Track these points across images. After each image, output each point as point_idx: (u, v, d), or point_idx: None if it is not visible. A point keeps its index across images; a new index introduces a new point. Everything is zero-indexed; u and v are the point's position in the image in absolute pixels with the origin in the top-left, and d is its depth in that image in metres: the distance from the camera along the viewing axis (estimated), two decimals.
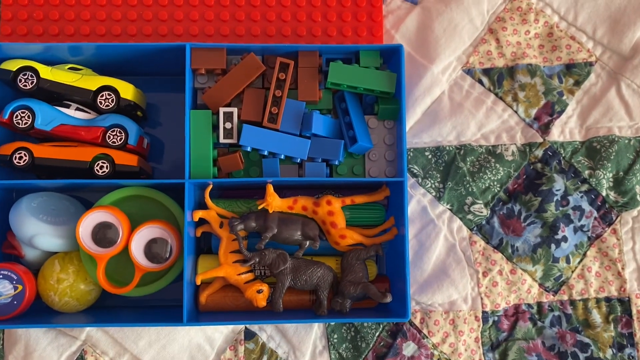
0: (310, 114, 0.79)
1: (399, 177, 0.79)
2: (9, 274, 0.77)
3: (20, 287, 0.76)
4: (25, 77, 0.79)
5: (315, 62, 0.81)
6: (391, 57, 0.83)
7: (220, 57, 0.79)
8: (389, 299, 0.76)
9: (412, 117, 0.90)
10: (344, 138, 0.81)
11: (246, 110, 0.79)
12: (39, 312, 0.81)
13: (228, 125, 0.79)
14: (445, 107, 0.90)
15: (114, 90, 0.81)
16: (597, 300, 0.90)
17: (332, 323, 0.86)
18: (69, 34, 0.88)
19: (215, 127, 0.79)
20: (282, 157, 0.79)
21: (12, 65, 0.79)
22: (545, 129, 0.91)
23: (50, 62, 0.82)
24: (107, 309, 0.84)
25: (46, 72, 0.80)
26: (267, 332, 0.86)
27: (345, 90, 0.81)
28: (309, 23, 0.90)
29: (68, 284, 0.79)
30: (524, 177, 0.90)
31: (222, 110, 0.79)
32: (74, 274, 0.79)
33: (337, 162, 0.80)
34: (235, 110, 0.79)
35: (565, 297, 0.90)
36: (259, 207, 0.78)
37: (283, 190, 0.83)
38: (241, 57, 0.81)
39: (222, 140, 0.79)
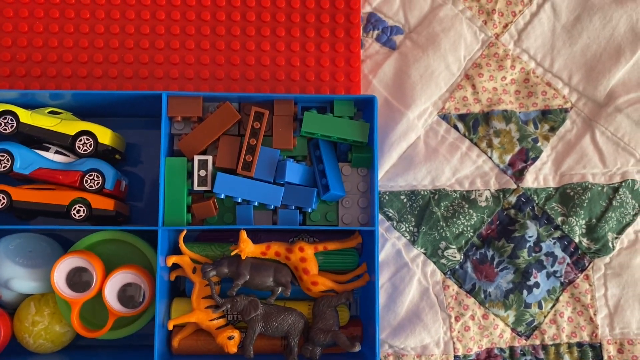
0: (284, 163, 0.80)
1: (371, 225, 0.81)
2: None
3: None
4: (5, 120, 0.81)
5: (291, 110, 0.82)
6: (365, 107, 0.84)
7: (197, 105, 0.81)
8: (357, 348, 0.77)
9: (387, 161, 0.91)
10: (318, 185, 0.82)
11: (221, 157, 0.81)
12: (12, 352, 0.82)
13: (202, 172, 0.80)
14: (420, 152, 0.92)
15: (92, 135, 0.82)
16: (569, 345, 0.91)
17: None
18: (51, 76, 0.90)
19: (190, 174, 0.81)
20: (256, 203, 0.81)
21: None
22: (519, 175, 0.92)
23: (31, 105, 0.83)
24: (81, 349, 0.85)
25: (26, 117, 0.81)
26: None
27: (320, 138, 0.83)
28: (288, 67, 0.92)
29: (43, 326, 0.80)
30: (497, 223, 0.92)
31: (196, 158, 0.80)
32: (49, 317, 0.80)
33: (310, 210, 0.81)
34: (209, 158, 0.80)
35: (538, 342, 0.91)
36: (232, 253, 0.79)
37: (258, 233, 0.84)
38: (217, 105, 0.82)
39: (196, 187, 0.80)
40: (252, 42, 0.92)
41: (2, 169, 0.80)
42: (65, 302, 0.79)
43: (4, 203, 0.80)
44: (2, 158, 0.80)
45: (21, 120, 0.81)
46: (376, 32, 0.94)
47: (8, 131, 0.80)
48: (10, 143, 0.81)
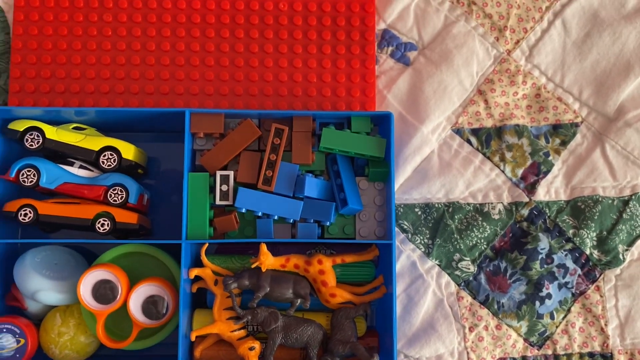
0: (303, 178, 0.82)
1: (388, 239, 0.83)
2: (12, 327, 0.80)
3: (22, 341, 0.80)
4: (32, 136, 0.83)
5: (309, 126, 0.84)
6: (382, 122, 0.86)
7: (219, 121, 0.83)
8: (375, 359, 0.79)
9: (402, 175, 0.93)
10: (336, 199, 0.84)
11: (242, 173, 0.83)
12: None
13: (224, 187, 0.82)
14: (434, 165, 0.94)
15: (116, 151, 0.85)
16: (581, 356, 0.92)
17: None
18: (74, 92, 0.92)
19: (212, 189, 0.83)
20: (276, 217, 0.83)
21: (20, 126, 0.83)
22: (531, 189, 0.94)
23: (56, 121, 0.86)
24: (105, 359, 0.87)
25: (51, 132, 0.84)
26: None
27: (338, 153, 0.85)
28: (305, 84, 0.94)
29: (69, 337, 0.82)
30: (510, 235, 0.94)
31: (218, 173, 0.83)
32: (75, 327, 0.83)
33: (328, 223, 0.83)
34: (231, 173, 0.83)
35: (550, 352, 0.92)
36: (253, 266, 0.81)
37: (277, 246, 0.86)
38: (238, 122, 0.85)
39: (218, 202, 0.82)
40: (270, 58, 0.94)
41: (28, 184, 0.82)
42: (91, 313, 0.81)
43: (30, 217, 0.82)
44: (29, 173, 0.82)
45: (47, 136, 0.83)
46: (390, 48, 0.96)
47: (35, 147, 0.83)
48: (36, 158, 0.84)
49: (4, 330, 0.79)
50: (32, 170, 0.83)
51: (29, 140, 0.83)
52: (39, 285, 0.80)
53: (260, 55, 0.94)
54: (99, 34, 0.94)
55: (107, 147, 0.85)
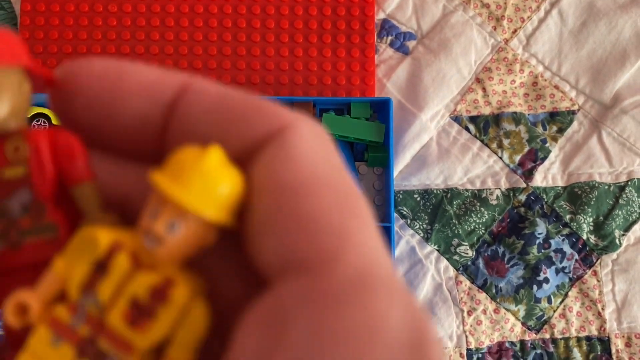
0: None
1: (387, 222, 0.84)
2: None
3: None
4: (39, 123, 0.85)
5: (309, 112, 0.86)
6: (381, 108, 0.88)
7: None
8: None
9: (401, 162, 0.95)
10: None
11: None
12: None
13: None
14: (433, 152, 0.95)
15: None
16: (578, 339, 0.94)
17: None
18: None
19: None
20: None
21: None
22: (528, 175, 0.96)
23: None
24: None
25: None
26: None
27: (337, 138, 0.87)
28: (305, 72, 0.96)
29: None
30: (508, 220, 0.95)
31: None
32: None
33: None
34: None
35: (547, 336, 0.94)
36: None
37: None
38: None
39: None
40: (272, 47, 0.96)
41: None
42: None
43: None
44: None
45: (53, 122, 0.85)
46: (390, 37, 0.98)
47: None
48: None
49: None
50: None
51: (36, 126, 0.85)
52: None
53: (261, 44, 0.96)
54: (104, 24, 0.96)
55: None
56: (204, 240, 0.19)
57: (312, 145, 0.19)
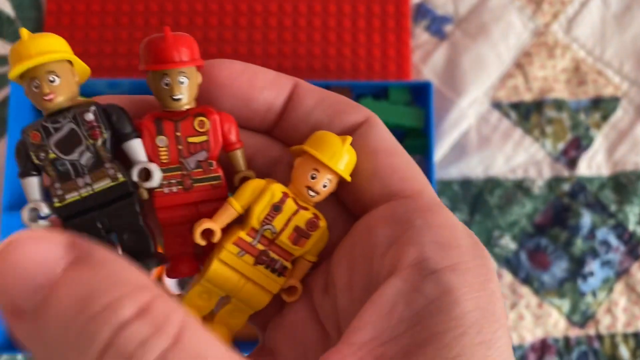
0: None
1: None
2: None
3: None
4: None
5: (347, 97, 0.83)
6: (420, 93, 0.84)
7: None
8: None
9: (439, 151, 0.91)
10: None
11: None
12: None
13: None
14: (472, 141, 0.92)
15: None
16: (625, 336, 0.90)
17: None
18: (107, 68, 0.92)
19: None
20: None
21: None
22: (572, 164, 0.92)
23: (89, 94, 0.85)
24: None
25: None
26: None
27: None
28: (339, 58, 0.92)
29: None
30: (551, 211, 0.91)
31: None
32: None
33: None
34: None
35: (592, 332, 0.90)
36: None
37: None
38: None
39: None
40: (303, 33, 0.93)
41: None
42: None
43: None
44: None
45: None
46: (426, 21, 0.95)
47: None
48: None
49: None
50: None
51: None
52: None
53: (293, 30, 0.93)
54: (132, 10, 0.93)
55: None
56: (333, 190, 0.31)
57: (385, 128, 0.31)
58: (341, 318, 0.28)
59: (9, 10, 0.92)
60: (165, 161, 0.29)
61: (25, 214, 0.27)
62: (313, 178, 0.29)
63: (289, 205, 0.29)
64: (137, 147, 0.28)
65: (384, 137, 0.30)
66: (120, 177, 0.28)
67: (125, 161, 0.29)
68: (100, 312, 0.20)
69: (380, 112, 0.81)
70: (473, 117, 0.92)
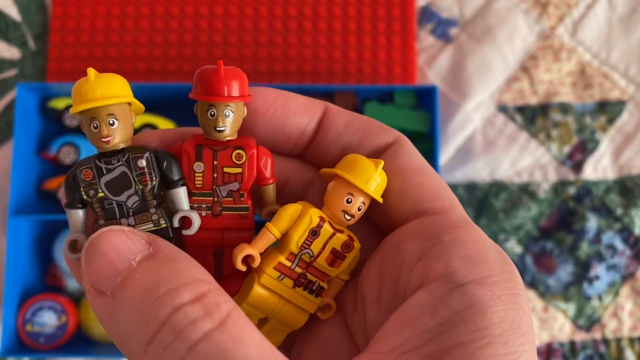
0: None
1: None
2: (54, 304, 0.79)
3: (64, 318, 0.79)
4: (72, 114, 0.82)
5: (351, 101, 0.83)
6: (425, 97, 0.84)
7: None
8: None
9: (445, 154, 0.91)
10: None
11: None
12: (78, 342, 0.83)
13: None
14: (478, 144, 0.91)
15: (156, 127, 0.84)
16: (631, 340, 0.89)
17: None
18: (112, 71, 0.92)
19: None
20: None
21: (60, 104, 0.83)
22: (578, 167, 0.91)
23: None
24: None
25: None
26: None
27: None
28: (344, 61, 0.92)
29: None
30: (557, 215, 0.91)
31: None
32: None
33: None
34: None
35: (598, 336, 0.89)
36: None
37: None
38: None
39: None
40: (309, 35, 0.93)
41: (68, 162, 0.82)
42: None
43: None
44: (69, 150, 0.82)
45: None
46: (431, 25, 0.94)
47: (74, 125, 0.82)
48: (75, 136, 0.83)
49: (46, 307, 0.79)
50: (72, 147, 0.82)
51: (69, 117, 0.83)
52: None
53: (298, 33, 0.93)
54: (137, 13, 0.93)
55: (146, 124, 0.84)
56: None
57: (414, 148, 0.32)
58: (369, 331, 0.29)
59: (14, 14, 0.93)
60: (199, 186, 0.30)
61: (65, 244, 0.28)
62: (348, 202, 0.30)
63: (326, 230, 0.30)
64: (181, 195, 0.30)
65: (413, 156, 0.31)
66: (163, 224, 0.29)
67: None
68: (162, 296, 0.24)
69: (385, 116, 0.81)
70: (478, 120, 0.92)
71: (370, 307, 0.29)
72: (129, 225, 0.29)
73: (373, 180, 0.30)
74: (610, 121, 0.93)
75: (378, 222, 0.32)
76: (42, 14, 0.93)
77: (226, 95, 0.29)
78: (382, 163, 0.30)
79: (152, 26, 0.93)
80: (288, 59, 0.92)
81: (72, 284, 0.83)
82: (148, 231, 0.29)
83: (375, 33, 0.93)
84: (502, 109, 0.93)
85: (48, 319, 0.78)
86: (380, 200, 0.30)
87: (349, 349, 0.30)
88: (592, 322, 0.89)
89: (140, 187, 0.29)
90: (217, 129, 0.29)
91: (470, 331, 0.25)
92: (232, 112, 0.30)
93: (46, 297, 0.79)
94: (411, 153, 0.31)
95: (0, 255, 0.85)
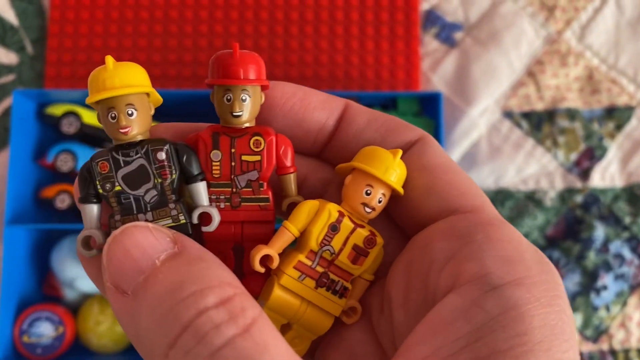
0: None
1: None
2: (51, 315, 0.78)
3: (61, 329, 0.78)
4: (70, 122, 0.81)
5: None
6: (429, 103, 0.83)
7: None
8: None
9: None
10: None
11: None
12: (75, 353, 0.82)
13: None
14: (483, 150, 0.90)
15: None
16: (639, 351, 0.87)
17: None
18: None
19: None
20: None
21: (58, 110, 0.81)
22: (585, 175, 0.89)
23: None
24: None
25: (88, 117, 0.81)
26: None
27: None
28: (346, 66, 0.91)
29: (106, 326, 0.80)
30: (564, 223, 0.89)
31: None
32: (112, 317, 0.80)
33: None
34: None
35: (606, 347, 0.88)
36: None
37: None
38: None
39: None
40: (310, 40, 0.91)
41: (65, 169, 0.80)
42: None
43: (67, 203, 0.80)
44: (66, 158, 0.80)
45: (84, 120, 0.81)
46: (435, 28, 0.93)
47: (72, 132, 0.81)
48: (73, 143, 0.82)
49: (43, 318, 0.77)
50: (69, 155, 0.81)
51: (66, 125, 0.81)
52: (77, 273, 0.78)
53: (299, 37, 0.91)
54: (135, 17, 0.91)
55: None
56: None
57: (439, 146, 0.30)
58: (397, 336, 0.28)
59: (12, 18, 0.91)
60: (216, 176, 0.29)
61: (79, 240, 0.27)
62: (368, 194, 0.29)
63: (346, 224, 0.29)
64: (201, 190, 0.28)
65: (439, 154, 0.30)
66: (182, 220, 0.28)
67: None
68: (186, 298, 0.23)
69: None
70: (484, 126, 0.90)
71: (397, 311, 0.28)
72: (146, 221, 0.27)
73: (392, 170, 0.28)
74: (619, 127, 0.91)
75: (403, 224, 0.31)
76: (39, 18, 0.92)
77: (242, 77, 0.28)
78: (400, 152, 0.29)
79: (152, 31, 0.91)
80: (289, 64, 0.91)
81: (69, 293, 0.82)
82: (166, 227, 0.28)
83: (379, 37, 0.91)
84: (508, 114, 0.91)
85: (45, 330, 0.77)
86: (401, 190, 0.29)
87: (375, 354, 0.29)
88: (600, 333, 0.88)
89: (160, 180, 0.28)
90: (234, 113, 0.28)
91: (509, 337, 0.23)
92: (249, 96, 0.28)
93: (43, 308, 0.78)
94: (437, 150, 0.30)
95: None
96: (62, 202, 0.80)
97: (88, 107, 0.83)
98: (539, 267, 0.25)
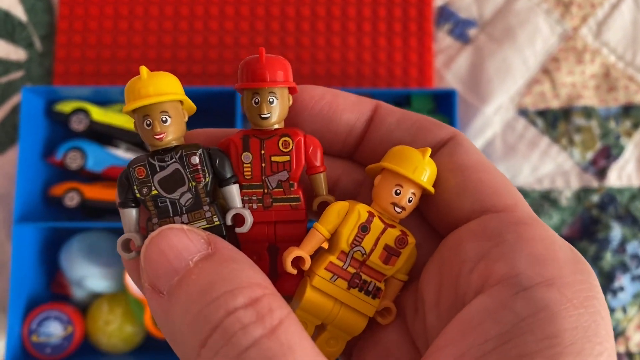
0: None
1: None
2: (60, 315, 0.77)
3: (70, 329, 0.77)
4: (79, 119, 0.80)
5: None
6: (443, 101, 0.81)
7: None
8: None
9: None
10: None
11: None
12: (84, 352, 0.81)
13: None
14: (497, 149, 0.88)
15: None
16: None
17: None
18: (120, 74, 0.89)
19: None
20: None
21: (67, 107, 0.80)
22: (601, 174, 0.88)
23: (103, 101, 0.83)
24: (153, 351, 0.84)
25: (98, 114, 0.81)
26: None
27: None
28: (358, 63, 0.89)
29: (116, 325, 0.79)
30: (580, 223, 0.87)
31: None
32: (122, 316, 0.79)
33: None
34: None
35: (622, 349, 0.86)
36: None
37: None
38: None
39: None
40: (322, 37, 0.90)
41: (75, 167, 0.79)
42: (138, 302, 0.78)
43: (76, 201, 0.79)
44: (75, 156, 0.79)
45: (93, 117, 0.80)
46: (449, 25, 0.91)
47: (81, 129, 0.80)
48: (82, 140, 0.81)
49: (52, 317, 0.77)
50: (79, 152, 0.80)
51: (75, 121, 0.80)
52: (86, 271, 0.77)
53: (311, 35, 0.90)
54: (145, 14, 0.90)
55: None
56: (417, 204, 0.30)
57: (472, 144, 0.30)
58: (429, 337, 0.27)
59: (21, 14, 0.90)
60: (248, 177, 0.30)
61: (119, 243, 0.28)
62: (397, 194, 0.29)
63: (376, 224, 0.29)
64: (234, 192, 0.29)
65: (471, 152, 0.29)
66: (216, 221, 0.29)
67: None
68: (217, 299, 0.23)
69: None
70: (498, 124, 0.89)
71: (430, 312, 0.28)
72: (182, 223, 0.29)
73: (421, 169, 0.28)
74: (636, 126, 0.89)
75: (436, 224, 0.30)
76: (48, 14, 0.91)
77: (268, 80, 0.29)
78: (429, 150, 0.29)
79: (161, 27, 0.90)
80: (300, 61, 0.89)
81: (78, 292, 0.81)
82: (201, 229, 0.29)
83: (391, 34, 0.90)
84: (523, 112, 0.89)
85: (54, 330, 0.76)
86: (432, 189, 0.29)
87: (411, 356, 0.29)
88: (616, 335, 0.86)
89: (194, 184, 0.29)
90: (262, 116, 0.29)
91: (538, 340, 0.22)
92: (276, 98, 0.29)
93: (52, 307, 0.77)
94: (469, 148, 0.29)
95: (6, 263, 0.83)
96: (71, 200, 0.79)
97: (97, 103, 0.82)
98: (573, 267, 0.24)
